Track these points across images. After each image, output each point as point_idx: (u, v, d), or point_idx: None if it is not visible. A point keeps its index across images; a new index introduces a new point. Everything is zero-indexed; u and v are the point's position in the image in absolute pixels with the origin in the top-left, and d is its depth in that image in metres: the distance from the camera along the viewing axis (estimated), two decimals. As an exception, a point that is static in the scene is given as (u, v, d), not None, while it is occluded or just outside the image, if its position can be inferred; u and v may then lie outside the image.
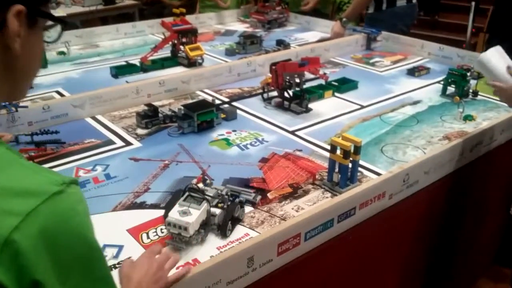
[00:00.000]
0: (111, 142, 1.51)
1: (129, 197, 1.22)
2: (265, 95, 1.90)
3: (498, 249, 2.07)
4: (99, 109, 1.72)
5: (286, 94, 1.82)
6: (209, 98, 1.87)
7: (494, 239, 2.01)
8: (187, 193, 1.05)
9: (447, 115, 1.77)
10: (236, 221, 1.10)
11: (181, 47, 2.31)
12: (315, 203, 1.20)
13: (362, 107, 1.85)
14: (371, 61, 2.45)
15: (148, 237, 1.06)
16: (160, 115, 1.65)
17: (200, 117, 1.58)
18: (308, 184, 1.29)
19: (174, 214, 1.00)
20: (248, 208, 1.17)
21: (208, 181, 1.17)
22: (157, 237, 1.06)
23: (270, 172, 1.35)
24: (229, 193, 1.14)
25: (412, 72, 2.23)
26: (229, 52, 2.51)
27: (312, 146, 1.52)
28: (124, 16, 4.59)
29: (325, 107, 1.84)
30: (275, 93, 1.88)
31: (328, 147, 1.48)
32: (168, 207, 1.04)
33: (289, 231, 1.00)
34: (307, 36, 2.94)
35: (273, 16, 3.09)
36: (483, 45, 2.80)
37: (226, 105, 1.80)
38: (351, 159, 1.22)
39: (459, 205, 1.59)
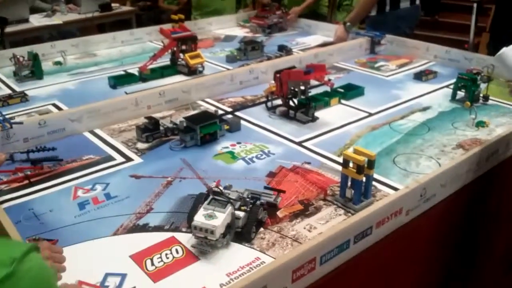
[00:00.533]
0: (110, 158, 1.45)
1: (131, 218, 1.15)
2: (269, 104, 1.83)
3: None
4: (97, 122, 1.65)
5: (291, 103, 1.75)
6: (211, 108, 1.81)
7: (509, 248, 1.94)
8: (211, 197, 1.05)
9: (458, 122, 1.71)
10: (260, 223, 1.10)
11: (181, 55, 2.25)
12: (328, 221, 1.14)
13: (370, 114, 1.79)
14: (376, 65, 2.39)
15: (152, 264, 0.99)
16: (161, 128, 1.58)
17: (203, 129, 1.51)
18: (319, 200, 1.22)
19: (200, 217, 1.00)
20: (257, 229, 1.11)
21: (227, 184, 1.16)
22: (162, 263, 1.00)
23: (278, 187, 1.29)
24: (249, 196, 1.13)
25: (419, 76, 2.17)
26: (230, 59, 2.44)
27: (321, 158, 1.45)
28: (121, 22, 4.52)
29: (331, 115, 1.77)
30: (279, 102, 1.81)
31: (338, 159, 1.43)
32: (191, 212, 1.05)
33: (304, 256, 0.93)
34: (308, 40, 2.88)
35: (273, 21, 3.03)
36: (486, 45, 2.74)
37: (229, 116, 1.73)
38: (365, 173, 1.15)
39: (474, 217, 1.53)
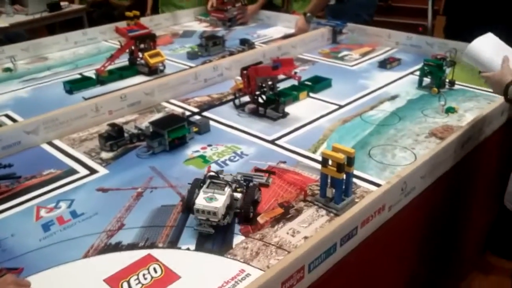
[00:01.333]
0: (73, 172, 1.35)
1: (101, 237, 1.07)
2: (237, 102, 1.77)
3: (490, 237, 2.04)
4: (55, 133, 1.55)
5: (260, 99, 1.70)
6: (177, 110, 1.73)
7: (484, 231, 1.98)
8: (209, 181, 1.10)
9: (427, 109, 1.70)
10: (255, 203, 1.15)
11: (140, 54, 2.15)
12: (310, 223, 1.09)
13: (340, 106, 1.75)
14: (340, 55, 2.36)
15: (129, 287, 0.92)
16: (125, 134, 1.49)
17: (171, 134, 1.44)
18: (299, 202, 1.18)
19: (201, 201, 1.05)
20: (239, 238, 1.05)
21: (218, 169, 1.23)
22: (140, 285, 0.93)
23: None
24: (242, 178, 1.19)
25: (384, 64, 2.16)
26: (191, 56, 2.36)
27: (296, 156, 1.41)
28: (72, 22, 4.33)
29: (301, 110, 1.73)
30: (246, 99, 1.75)
31: (313, 156, 1.40)
32: (190, 197, 1.11)
33: (293, 266, 0.88)
34: (270, 32, 2.83)
35: (233, 14, 2.96)
36: (443, 29, 2.77)
37: (197, 117, 1.66)
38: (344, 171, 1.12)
39: (451, 204, 1.53)
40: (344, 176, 1.13)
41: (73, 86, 1.96)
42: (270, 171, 1.30)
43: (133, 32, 2.14)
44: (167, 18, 3.08)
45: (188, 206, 1.11)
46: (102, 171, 1.35)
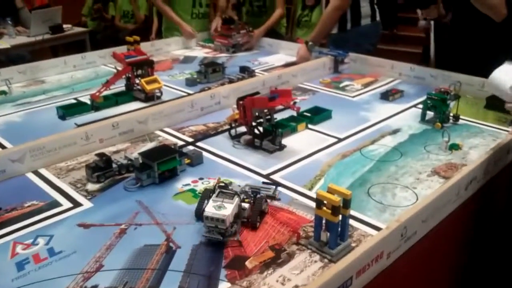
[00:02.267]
0: (56, 204, 1.28)
1: (77, 280, 1.00)
2: (232, 132, 1.71)
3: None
4: (42, 161, 1.49)
5: (256, 131, 1.64)
6: (171, 139, 1.67)
7: (490, 275, 1.88)
8: (218, 190, 1.14)
9: (430, 145, 1.63)
10: (262, 214, 1.20)
11: (137, 80, 2.11)
12: (302, 270, 1.02)
13: (339, 140, 1.69)
14: (341, 85, 2.31)
15: None
16: (114, 165, 1.43)
17: (161, 166, 1.37)
18: (292, 245, 1.11)
19: (210, 209, 1.09)
20: (224, 285, 0.98)
21: (227, 181, 1.29)
22: (113, 338, 0.85)
23: (246, 230, 1.16)
24: (250, 190, 1.25)
25: (386, 96, 2.11)
26: (190, 82, 2.32)
27: (291, 193, 1.34)
28: (75, 44, 4.32)
29: (299, 142, 1.67)
30: (243, 129, 1.70)
31: (309, 193, 1.33)
32: (199, 206, 1.18)
33: (279, 323, 0.81)
34: (271, 60, 2.79)
35: (237, 40, 2.93)
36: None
37: (190, 147, 1.60)
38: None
39: (455, 250, 1.45)
40: (340, 218, 1.05)
41: (66, 112, 1.92)
42: (277, 183, 1.35)
43: (130, 58, 2.11)
44: (168, 43, 3.06)
45: (198, 213, 1.17)
46: (86, 204, 1.29)
